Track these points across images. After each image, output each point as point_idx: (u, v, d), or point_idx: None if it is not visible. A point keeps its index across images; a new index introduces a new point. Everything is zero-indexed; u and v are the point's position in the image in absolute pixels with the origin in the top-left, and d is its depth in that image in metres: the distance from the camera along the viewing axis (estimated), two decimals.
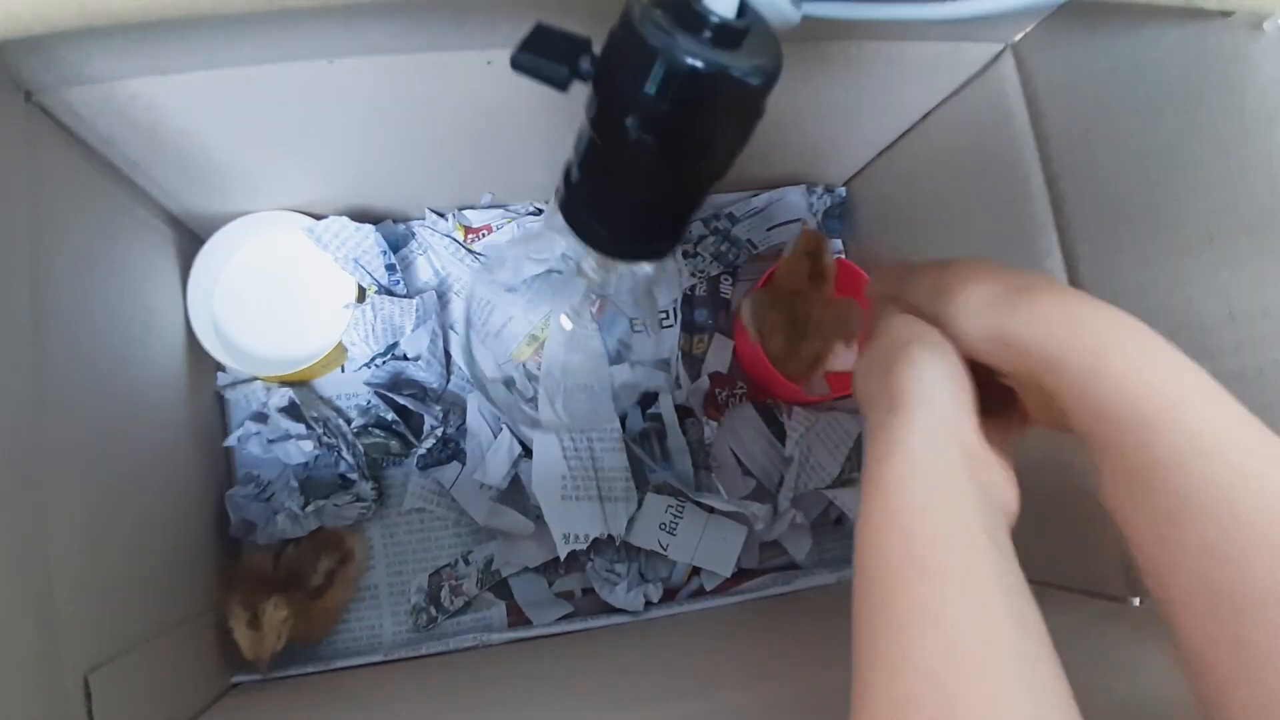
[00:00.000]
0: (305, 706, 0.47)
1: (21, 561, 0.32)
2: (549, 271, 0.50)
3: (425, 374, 0.55)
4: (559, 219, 0.25)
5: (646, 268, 0.28)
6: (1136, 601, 0.40)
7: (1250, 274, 0.32)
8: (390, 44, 0.37)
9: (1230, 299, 0.34)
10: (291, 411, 0.51)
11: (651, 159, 0.23)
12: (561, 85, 0.22)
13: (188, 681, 0.45)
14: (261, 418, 0.51)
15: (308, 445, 0.50)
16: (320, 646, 0.54)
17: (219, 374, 0.54)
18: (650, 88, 0.21)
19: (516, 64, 0.22)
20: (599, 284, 0.30)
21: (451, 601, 0.55)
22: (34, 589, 0.32)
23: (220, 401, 0.55)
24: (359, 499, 0.53)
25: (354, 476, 0.54)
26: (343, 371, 0.57)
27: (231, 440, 0.52)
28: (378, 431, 0.55)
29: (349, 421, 0.55)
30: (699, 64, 0.21)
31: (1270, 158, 0.31)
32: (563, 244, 0.26)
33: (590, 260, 0.27)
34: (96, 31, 0.32)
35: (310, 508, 0.51)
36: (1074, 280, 0.42)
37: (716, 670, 0.43)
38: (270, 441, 0.50)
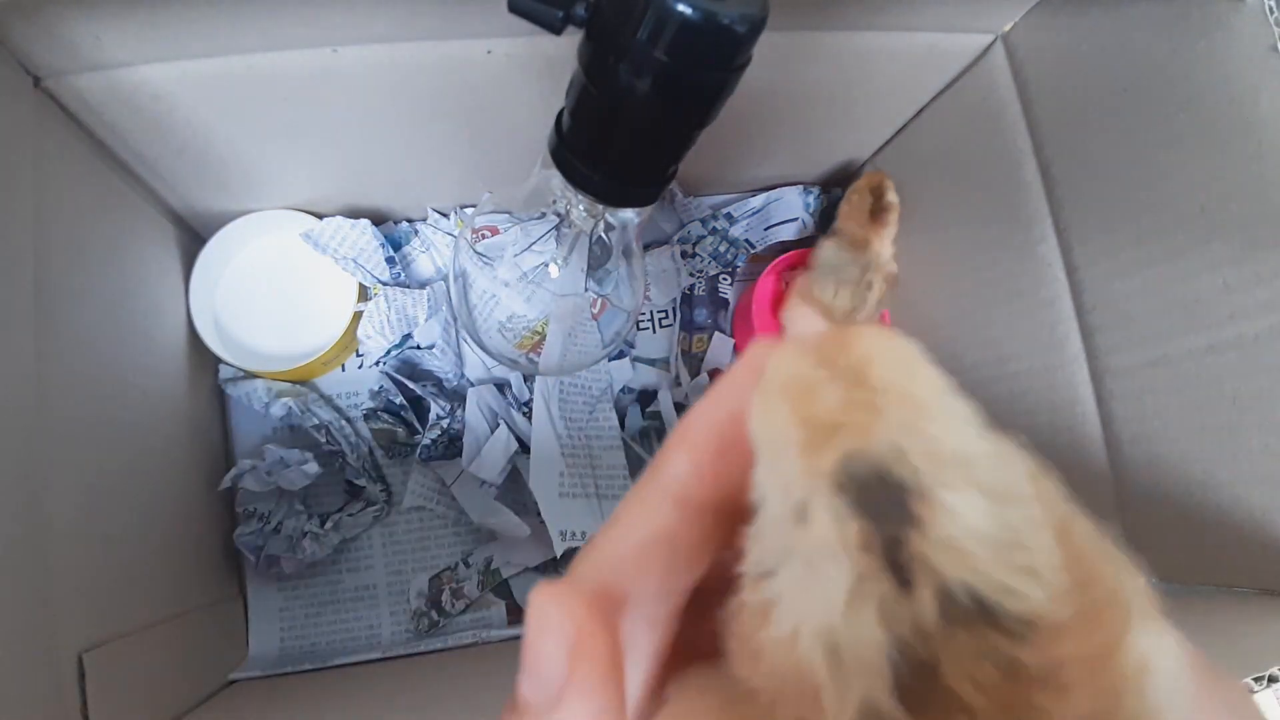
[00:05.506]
0: (301, 703, 0.46)
1: (18, 542, 0.32)
2: (542, 265, 0.51)
3: (440, 363, 0.55)
4: (553, 168, 0.25)
5: (632, 214, 0.28)
6: None
7: (1242, 241, 0.33)
8: (392, 32, 0.38)
9: (1224, 268, 0.34)
10: (290, 421, 0.51)
11: (640, 105, 0.23)
12: (555, 28, 0.23)
13: (183, 674, 0.44)
14: (257, 453, 0.51)
15: (312, 467, 0.50)
16: (319, 645, 0.54)
17: (221, 366, 0.54)
18: (642, 34, 0.22)
19: (513, 6, 0.22)
20: (587, 230, 0.30)
21: (453, 605, 0.55)
22: (31, 568, 0.32)
23: (221, 395, 0.55)
24: (369, 503, 0.53)
25: (361, 482, 0.53)
26: (343, 370, 0.57)
27: (226, 482, 0.51)
28: (386, 416, 0.55)
29: (350, 421, 0.55)
30: (689, 10, 0.21)
31: (1256, 124, 0.32)
32: (558, 196, 0.26)
33: (579, 206, 0.27)
34: (106, 13, 0.33)
35: (329, 524, 0.51)
36: (1068, 263, 0.42)
37: None
38: (268, 474, 0.50)
